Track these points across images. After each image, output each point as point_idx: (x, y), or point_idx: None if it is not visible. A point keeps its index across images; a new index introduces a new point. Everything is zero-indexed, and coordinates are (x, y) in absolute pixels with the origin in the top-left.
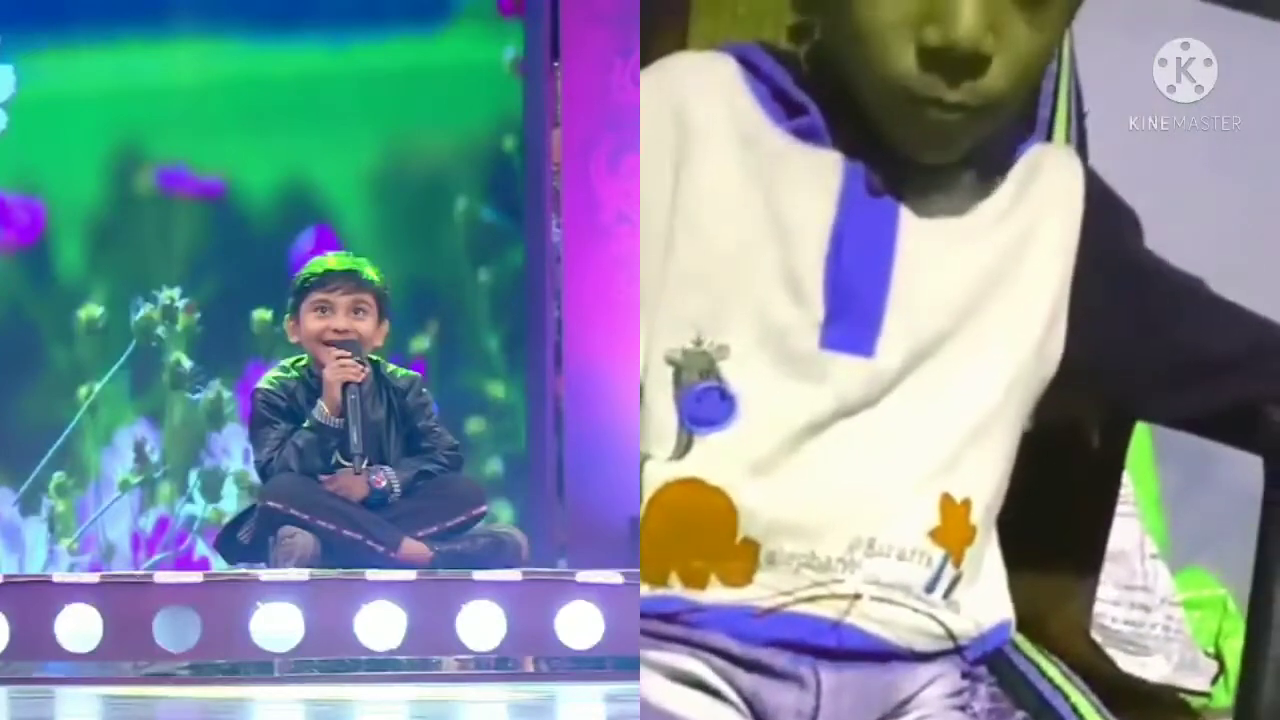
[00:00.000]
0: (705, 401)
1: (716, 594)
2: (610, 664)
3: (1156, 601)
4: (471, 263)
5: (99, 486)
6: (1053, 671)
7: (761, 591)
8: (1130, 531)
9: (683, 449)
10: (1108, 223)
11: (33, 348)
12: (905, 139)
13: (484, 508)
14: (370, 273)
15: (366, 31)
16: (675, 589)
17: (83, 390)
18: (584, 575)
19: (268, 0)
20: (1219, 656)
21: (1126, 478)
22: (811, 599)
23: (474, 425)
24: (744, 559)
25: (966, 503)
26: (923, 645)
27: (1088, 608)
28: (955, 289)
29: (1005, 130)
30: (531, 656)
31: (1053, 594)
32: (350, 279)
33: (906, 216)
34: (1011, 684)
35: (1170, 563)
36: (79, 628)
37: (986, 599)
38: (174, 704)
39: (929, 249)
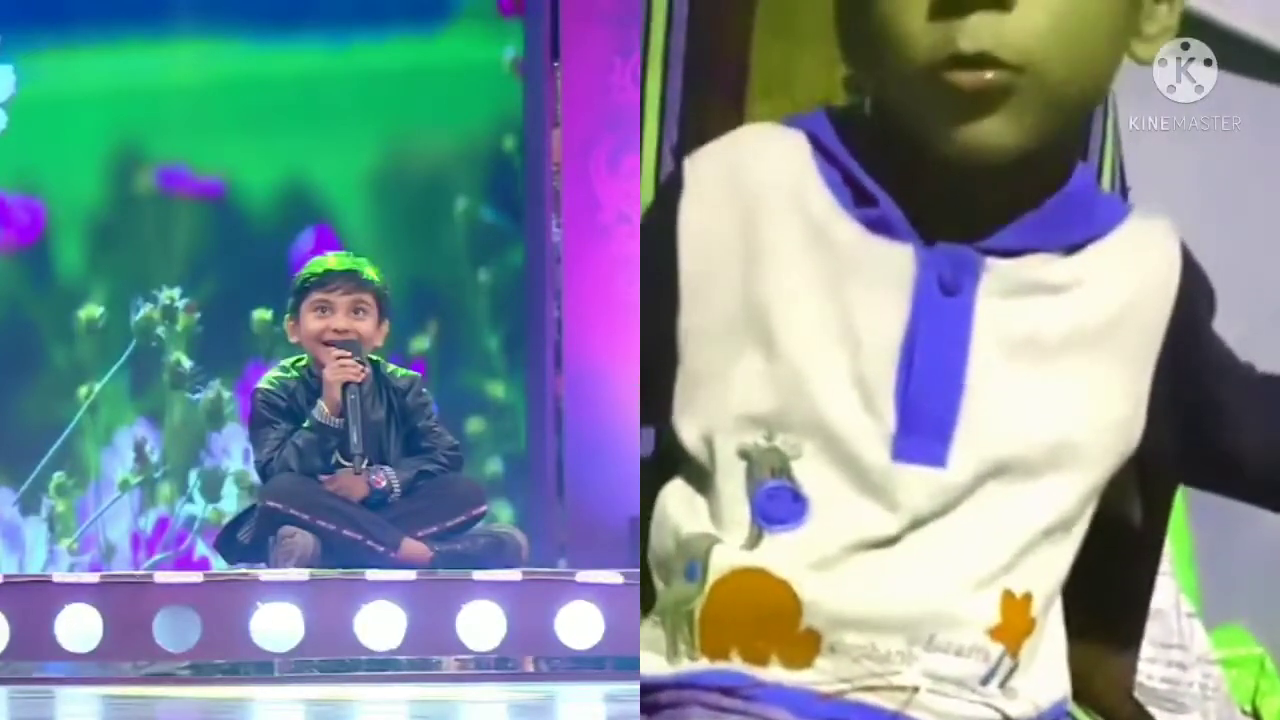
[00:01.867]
0: (777, 500)
1: (777, 674)
2: (610, 664)
3: (1193, 660)
4: (471, 263)
5: (99, 486)
6: None
7: (821, 676)
8: (1166, 590)
9: (753, 542)
10: (1195, 305)
11: (33, 348)
12: (947, 126)
13: (484, 508)
14: (370, 273)
15: (366, 31)
16: (736, 664)
17: (83, 390)
18: (584, 575)
19: (267, 0)
20: (1256, 714)
21: None
22: (870, 689)
23: (474, 425)
24: (806, 646)
25: (1027, 597)
26: None
27: (1131, 670)
28: (1033, 393)
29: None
30: (531, 656)
31: (1097, 657)
32: (350, 279)
33: (984, 314)
34: None
35: (1205, 621)
36: (79, 628)
37: (1044, 680)
38: (174, 704)
39: (1006, 348)
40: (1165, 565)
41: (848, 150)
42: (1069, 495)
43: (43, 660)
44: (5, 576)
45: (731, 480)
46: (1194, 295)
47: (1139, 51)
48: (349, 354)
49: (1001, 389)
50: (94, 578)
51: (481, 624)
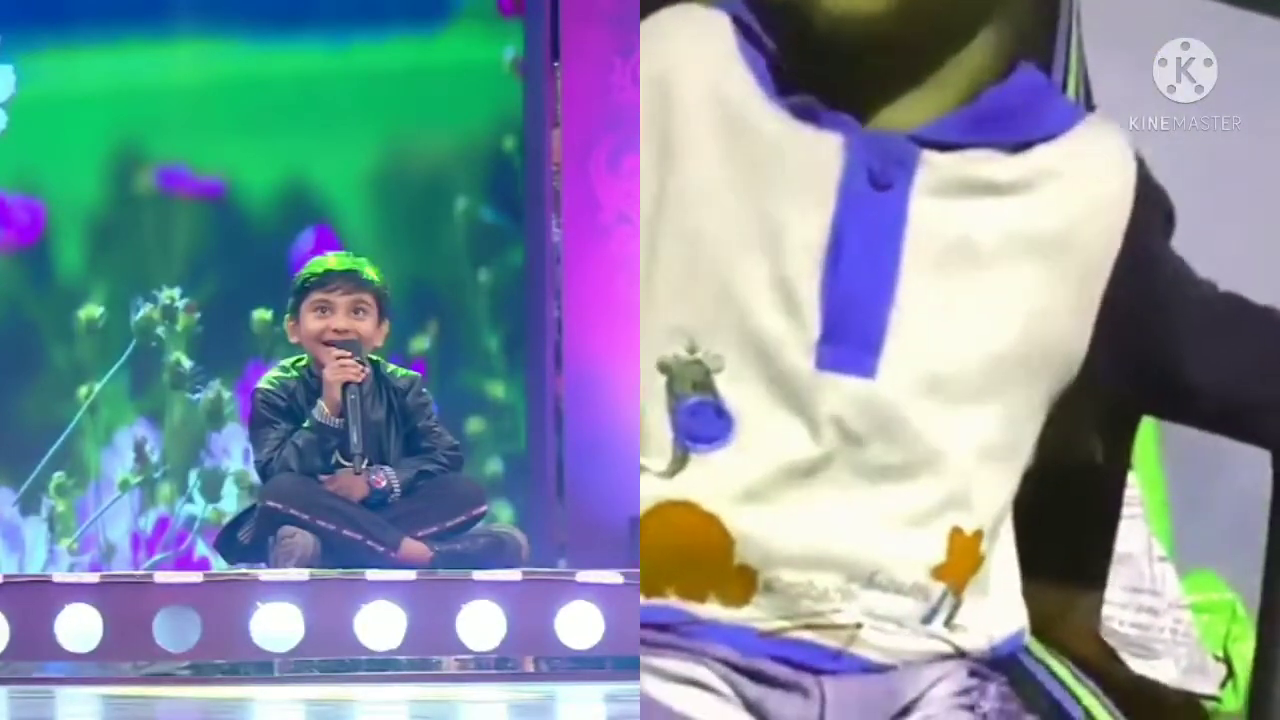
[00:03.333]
0: (700, 416)
1: (714, 610)
2: (610, 664)
3: (1164, 605)
4: (471, 263)
5: (99, 486)
6: (1064, 673)
7: (760, 613)
8: (1138, 534)
9: (677, 465)
10: (1150, 224)
11: (33, 347)
12: None
13: (484, 508)
14: (370, 273)
15: (366, 31)
16: (672, 601)
17: (83, 390)
18: (584, 575)
19: (267, 0)
20: (1227, 660)
21: (1133, 480)
22: (810, 626)
23: (474, 425)
24: (741, 583)
25: (978, 534)
26: (931, 661)
27: (1097, 610)
28: (971, 302)
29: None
30: (531, 656)
31: (1062, 598)
32: (350, 279)
33: (918, 212)
34: (1022, 684)
35: (1178, 566)
36: (79, 628)
37: (998, 612)
38: (174, 704)
39: (942, 250)
40: (1137, 509)
41: (777, 30)
42: (1009, 415)
43: (43, 660)
44: (5, 576)
45: (656, 399)
46: (1149, 211)
47: None
48: (349, 354)
49: (935, 296)
50: (94, 578)
51: (481, 624)
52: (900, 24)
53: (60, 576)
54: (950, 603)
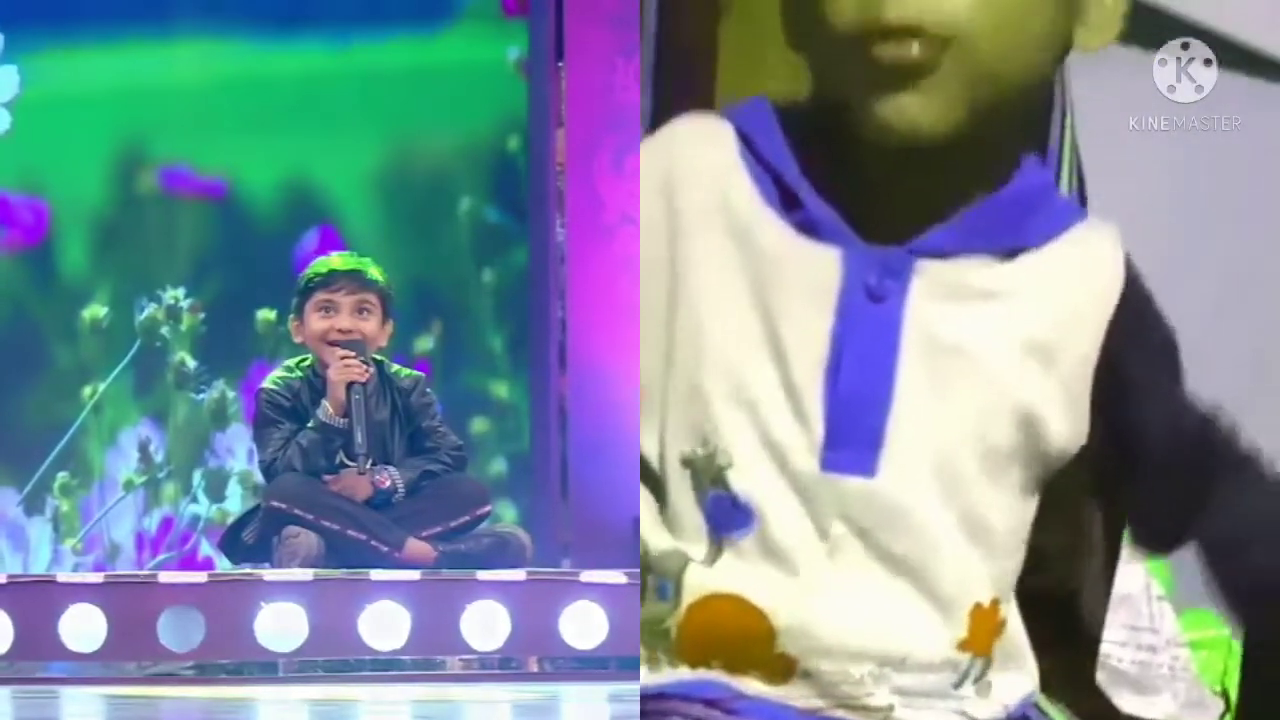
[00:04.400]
0: (719, 509)
1: (757, 687)
2: (614, 664)
3: (1163, 643)
4: (475, 263)
5: (103, 486)
6: None
7: (799, 692)
8: (1136, 574)
9: (715, 553)
10: (1134, 326)
11: (37, 348)
12: (871, 101)
13: (488, 508)
14: (374, 273)
15: (370, 31)
16: (719, 675)
17: (87, 390)
18: (588, 575)
19: (271, 0)
20: (1225, 695)
21: None
22: (846, 706)
23: (478, 425)
24: (782, 667)
25: (995, 602)
26: None
27: (1093, 665)
28: (965, 401)
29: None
30: (535, 656)
31: (1060, 655)
32: (354, 279)
33: (914, 318)
34: None
35: (1176, 605)
36: (83, 628)
37: (1014, 676)
38: (178, 704)
39: (936, 353)
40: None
41: (783, 143)
42: (1009, 498)
43: (47, 660)
44: (9, 576)
45: (680, 490)
46: (1133, 314)
47: (1084, 39)
48: (353, 354)
49: (930, 396)
50: (98, 578)
51: (485, 624)
52: (954, 146)
53: (64, 576)
54: (980, 665)
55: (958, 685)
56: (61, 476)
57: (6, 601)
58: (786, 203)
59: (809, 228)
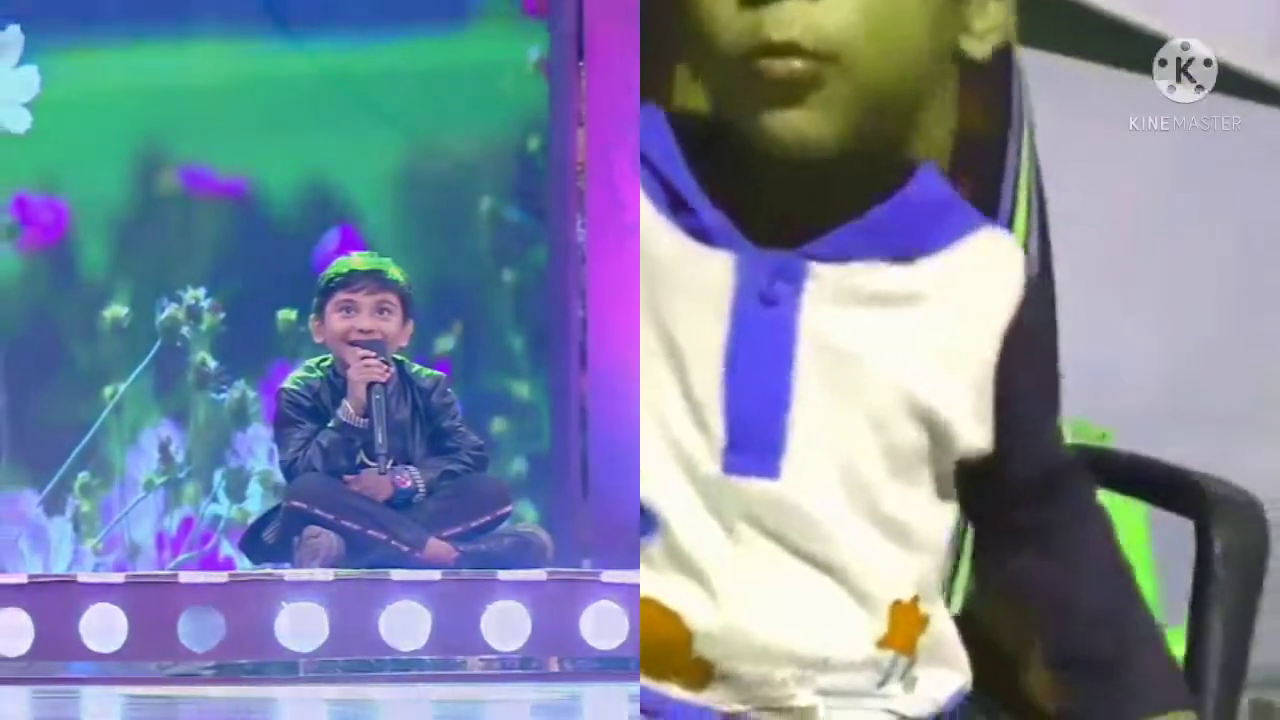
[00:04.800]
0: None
1: (677, 692)
2: (635, 664)
3: None
4: (496, 263)
5: (124, 486)
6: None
7: (720, 696)
8: None
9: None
10: (1029, 329)
11: (57, 348)
12: (757, 116)
13: (509, 508)
14: (395, 273)
15: (390, 31)
16: (650, 683)
17: (107, 390)
18: (609, 575)
19: (290, 0)
20: None
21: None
22: (769, 709)
23: (498, 425)
24: (700, 672)
25: (915, 599)
26: None
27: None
28: (866, 406)
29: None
30: (556, 657)
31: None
32: (375, 279)
33: (809, 322)
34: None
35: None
36: (104, 627)
37: (942, 672)
38: (198, 704)
39: (833, 358)
40: None
41: (674, 149)
42: (921, 494)
43: (67, 660)
44: (30, 576)
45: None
46: (1031, 316)
47: (969, 48)
48: (374, 354)
49: (830, 400)
50: (119, 578)
51: (506, 624)
52: (843, 160)
53: (85, 576)
54: (904, 662)
55: (882, 684)
56: (82, 477)
57: (27, 601)
58: (677, 209)
59: (700, 234)
